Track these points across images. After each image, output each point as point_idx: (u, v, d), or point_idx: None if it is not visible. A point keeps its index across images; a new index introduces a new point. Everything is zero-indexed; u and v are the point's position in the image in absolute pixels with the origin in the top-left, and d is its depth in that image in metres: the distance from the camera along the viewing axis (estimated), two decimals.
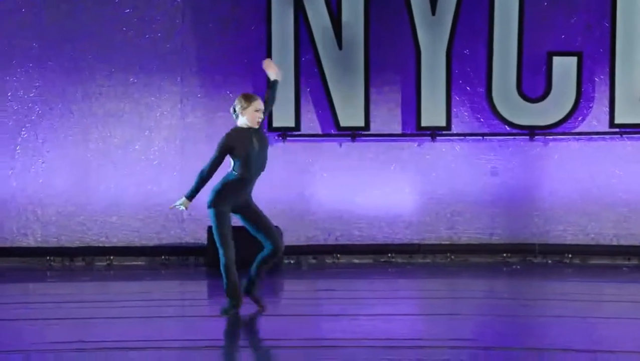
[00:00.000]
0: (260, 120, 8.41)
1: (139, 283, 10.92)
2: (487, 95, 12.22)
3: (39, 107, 12.45)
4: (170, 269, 11.98)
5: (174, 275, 11.57)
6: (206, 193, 8.41)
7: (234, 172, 8.37)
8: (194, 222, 12.38)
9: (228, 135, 8.36)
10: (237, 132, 8.37)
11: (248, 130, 8.38)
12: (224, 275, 8.40)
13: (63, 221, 12.39)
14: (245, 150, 8.30)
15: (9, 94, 12.43)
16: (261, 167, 8.50)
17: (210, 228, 12.04)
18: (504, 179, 12.34)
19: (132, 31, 12.37)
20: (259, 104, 8.39)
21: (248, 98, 8.39)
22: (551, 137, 12.29)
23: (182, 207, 8.42)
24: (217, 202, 8.33)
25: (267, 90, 8.87)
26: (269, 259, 8.57)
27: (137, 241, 12.38)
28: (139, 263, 12.32)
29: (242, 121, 8.40)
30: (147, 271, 11.74)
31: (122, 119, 12.44)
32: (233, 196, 8.38)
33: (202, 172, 8.33)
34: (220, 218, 8.34)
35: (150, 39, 12.38)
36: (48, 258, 12.36)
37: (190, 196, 8.37)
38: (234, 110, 8.44)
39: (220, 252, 8.39)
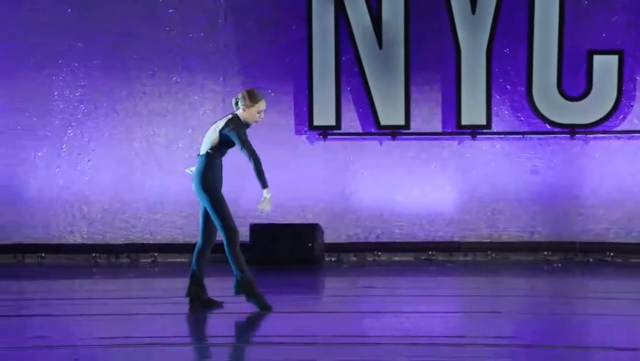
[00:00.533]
0: (258, 121, 8.45)
1: (182, 280, 10.99)
2: (528, 94, 12.23)
3: (85, 106, 12.62)
4: (212, 266, 12.08)
5: (217, 272, 11.65)
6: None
7: (215, 155, 8.35)
8: (236, 220, 12.39)
9: (238, 124, 8.33)
10: (241, 122, 8.38)
11: (245, 124, 8.42)
12: (232, 261, 8.35)
13: (108, 218, 12.55)
14: (244, 140, 8.34)
15: (55, 93, 12.60)
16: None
17: (253, 226, 12.17)
18: (545, 177, 12.34)
19: (175, 31, 12.51)
20: (262, 105, 8.42)
21: (254, 98, 8.40)
22: (592, 136, 12.27)
23: (268, 205, 8.35)
24: (211, 183, 8.35)
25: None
26: (206, 253, 8.52)
27: (180, 238, 12.50)
28: (183, 260, 12.41)
29: (241, 115, 8.41)
30: (190, 268, 11.85)
31: (166, 118, 12.58)
32: (220, 179, 8.42)
33: (255, 160, 8.30)
34: (220, 199, 8.34)
35: (193, 39, 12.52)
36: (94, 255, 12.51)
37: (267, 185, 8.33)
38: (236, 103, 8.44)
39: (226, 233, 8.34)
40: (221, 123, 8.44)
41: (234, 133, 8.30)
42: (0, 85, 12.55)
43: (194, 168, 8.67)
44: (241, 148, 8.36)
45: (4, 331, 7.74)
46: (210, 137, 8.46)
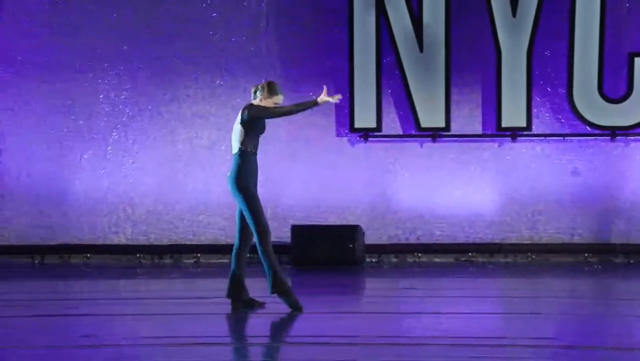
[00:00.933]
0: None
1: (224, 281, 11.07)
2: (568, 96, 12.23)
3: (129, 109, 12.78)
4: (255, 267, 12.17)
5: (259, 273, 11.74)
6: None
7: (247, 150, 8.37)
8: (277, 221, 12.59)
9: (255, 105, 8.35)
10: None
11: None
12: (264, 260, 8.38)
13: (152, 219, 12.70)
14: (261, 131, 8.41)
15: (100, 96, 12.78)
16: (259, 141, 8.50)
17: (294, 227, 12.27)
18: (585, 179, 12.33)
19: (218, 35, 12.65)
20: (279, 100, 8.45)
21: (272, 91, 8.43)
22: (633, 138, 12.25)
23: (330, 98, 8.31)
24: (244, 183, 8.36)
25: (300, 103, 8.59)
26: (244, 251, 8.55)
27: (223, 239, 12.62)
28: (225, 260, 12.52)
29: (256, 104, 8.43)
30: None
31: (209, 121, 12.71)
32: (254, 178, 8.43)
33: (288, 110, 8.32)
34: (253, 198, 8.34)
35: (236, 43, 12.64)
36: (138, 255, 12.67)
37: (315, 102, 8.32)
38: (255, 92, 8.50)
39: (258, 232, 8.33)
40: (239, 116, 8.48)
41: (254, 111, 8.29)
42: (48, 88, 12.75)
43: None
44: (271, 117, 8.34)
45: (50, 330, 7.86)
46: (236, 132, 8.50)
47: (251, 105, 8.47)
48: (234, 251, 8.66)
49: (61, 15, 12.69)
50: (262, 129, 8.51)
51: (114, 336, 7.58)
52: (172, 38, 12.65)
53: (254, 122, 8.38)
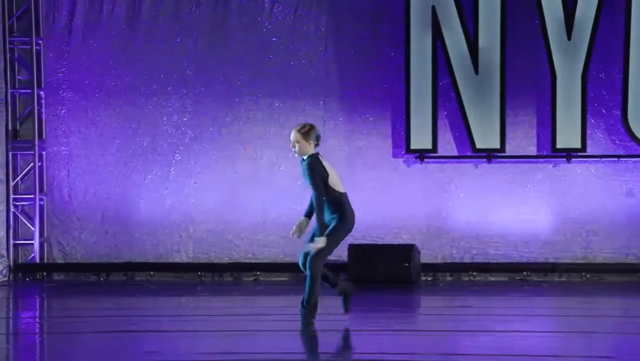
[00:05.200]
0: (294, 150, 8.79)
1: (284, 298, 11.25)
2: (623, 118, 12.28)
3: (192, 130, 13.05)
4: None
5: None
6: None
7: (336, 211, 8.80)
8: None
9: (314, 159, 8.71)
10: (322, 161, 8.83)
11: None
12: (312, 286, 8.62)
13: (213, 238, 12.89)
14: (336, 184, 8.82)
15: (164, 119, 13.04)
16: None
17: (351, 246, 12.44)
18: None
19: (278, 58, 12.88)
20: (290, 135, 8.81)
21: (310, 131, 8.81)
22: None
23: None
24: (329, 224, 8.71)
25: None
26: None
27: (281, 258, 12.80)
28: (284, 278, 12.71)
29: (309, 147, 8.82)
30: (291, 287, 11.97)
31: (269, 142, 12.93)
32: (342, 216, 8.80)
33: (320, 213, 8.78)
34: (335, 235, 8.71)
35: (295, 66, 12.86)
36: (199, 273, 12.86)
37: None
38: (317, 138, 8.87)
39: (314, 265, 8.60)
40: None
41: (309, 170, 8.74)
42: (114, 111, 13.00)
43: None
44: (311, 189, 8.76)
45: (114, 346, 8.04)
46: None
47: (311, 160, 8.71)
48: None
49: (127, 41, 13.01)
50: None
51: (176, 352, 7.71)
52: (234, 62, 12.89)
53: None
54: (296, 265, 13.07)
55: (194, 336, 8.51)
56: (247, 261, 12.87)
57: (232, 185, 12.91)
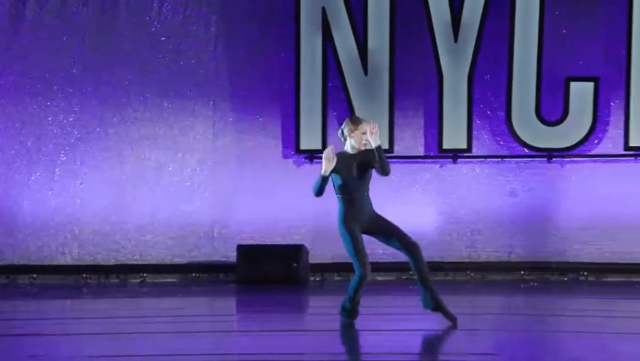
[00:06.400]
0: (366, 143, 8.64)
1: (171, 300, 11.19)
2: (507, 119, 12.53)
3: (77, 130, 12.86)
4: (201, 286, 12.27)
5: (205, 292, 11.86)
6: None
7: (337, 194, 8.66)
8: (224, 240, 12.74)
9: (339, 159, 8.57)
10: (343, 156, 8.65)
11: (352, 155, 8.66)
12: (355, 291, 8.62)
13: (99, 240, 12.74)
14: (345, 175, 8.60)
15: (49, 119, 12.83)
16: (360, 187, 8.66)
17: (240, 246, 12.43)
18: (523, 200, 12.59)
19: (167, 58, 12.78)
20: (365, 127, 8.63)
21: (355, 122, 8.66)
22: (568, 159, 12.51)
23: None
24: (342, 225, 8.60)
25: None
26: (417, 262, 8.77)
27: (169, 259, 12.73)
28: (171, 280, 12.62)
29: (350, 144, 8.68)
30: (178, 288, 11.98)
31: (157, 142, 12.82)
32: (352, 214, 8.60)
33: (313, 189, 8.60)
34: (350, 238, 8.58)
35: (185, 65, 12.79)
36: (84, 275, 12.68)
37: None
38: (342, 133, 8.72)
39: (356, 268, 8.62)
40: None
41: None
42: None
43: None
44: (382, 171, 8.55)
45: None
46: None
47: (338, 156, 8.58)
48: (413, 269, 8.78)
49: (11, 39, 12.76)
50: (353, 173, 8.61)
51: (59, 355, 7.61)
52: (122, 62, 12.76)
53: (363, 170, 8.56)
54: (182, 265, 13.04)
55: (79, 340, 8.42)
56: (134, 262, 12.75)
57: (119, 186, 12.77)
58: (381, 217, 8.79)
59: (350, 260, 12.56)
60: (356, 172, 8.63)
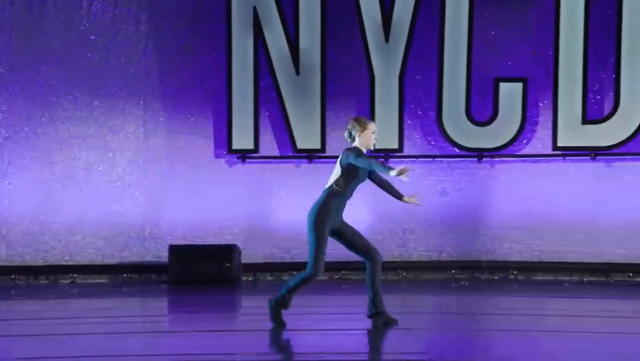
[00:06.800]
0: (375, 142, 8.71)
1: (101, 300, 11.14)
2: (438, 119, 12.66)
3: (5, 130, 12.69)
4: (132, 287, 12.21)
5: (136, 293, 11.81)
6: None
7: (335, 187, 8.61)
8: (155, 241, 12.68)
9: (358, 150, 8.56)
10: (360, 150, 8.64)
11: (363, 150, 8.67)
12: (296, 284, 8.54)
13: (28, 240, 12.61)
14: (362, 174, 8.66)
15: None
16: (354, 190, 8.78)
17: (172, 246, 12.38)
18: (453, 199, 12.74)
19: (97, 57, 12.68)
20: (374, 127, 8.71)
21: (364, 122, 8.70)
22: (498, 159, 12.68)
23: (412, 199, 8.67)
24: (320, 221, 8.56)
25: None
26: (375, 270, 8.76)
27: (99, 259, 12.64)
28: (102, 280, 12.54)
29: (358, 143, 8.69)
30: (109, 289, 11.94)
31: (87, 142, 12.72)
32: (333, 209, 8.62)
33: (382, 166, 8.59)
34: (321, 237, 8.54)
35: (115, 64, 12.70)
36: (13, 276, 12.55)
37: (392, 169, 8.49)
38: (350, 134, 8.72)
39: (310, 266, 8.52)
40: (341, 156, 8.64)
41: (353, 155, 8.48)
42: None
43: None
44: (369, 166, 8.53)
45: None
46: (335, 170, 8.69)
47: (354, 148, 8.59)
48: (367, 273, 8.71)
49: None
50: (360, 178, 8.64)
51: None
52: (51, 60, 12.63)
53: (352, 168, 8.55)
54: (113, 266, 12.95)
55: (7, 341, 8.33)
56: (64, 263, 12.64)
57: (48, 185, 12.65)
58: (346, 222, 8.84)
59: (282, 260, 12.69)
60: (362, 176, 8.74)
